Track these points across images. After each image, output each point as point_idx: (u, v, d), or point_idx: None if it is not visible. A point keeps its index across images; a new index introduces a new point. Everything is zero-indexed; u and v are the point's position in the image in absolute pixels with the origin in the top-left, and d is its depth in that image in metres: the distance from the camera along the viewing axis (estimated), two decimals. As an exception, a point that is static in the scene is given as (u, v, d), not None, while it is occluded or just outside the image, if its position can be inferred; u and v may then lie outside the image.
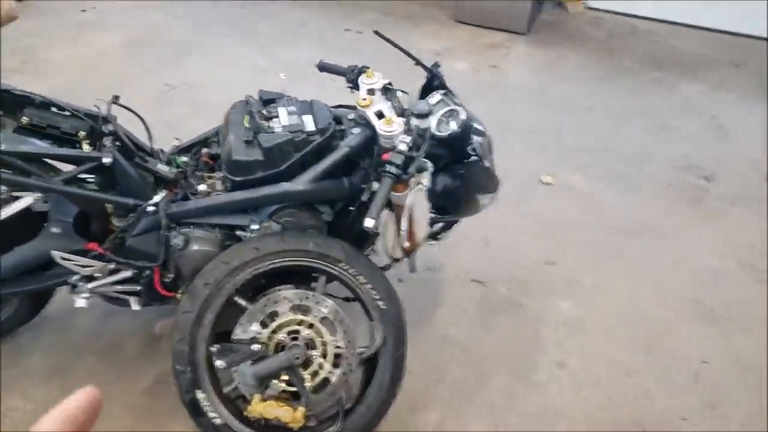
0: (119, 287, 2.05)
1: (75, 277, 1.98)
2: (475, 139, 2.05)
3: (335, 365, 1.89)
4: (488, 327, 2.53)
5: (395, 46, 2.08)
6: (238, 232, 1.98)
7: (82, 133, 1.83)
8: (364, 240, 2.13)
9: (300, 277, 1.99)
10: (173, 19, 4.94)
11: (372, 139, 1.94)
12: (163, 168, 1.96)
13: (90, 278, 2.01)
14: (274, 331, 1.86)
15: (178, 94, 3.95)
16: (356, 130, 1.97)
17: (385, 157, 1.82)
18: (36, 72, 4.04)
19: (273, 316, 1.88)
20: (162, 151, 2.09)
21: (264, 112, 1.97)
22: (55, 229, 1.93)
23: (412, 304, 2.56)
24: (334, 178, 1.96)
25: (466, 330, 2.51)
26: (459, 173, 2.08)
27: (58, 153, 1.75)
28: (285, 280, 1.99)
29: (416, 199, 1.99)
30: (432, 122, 1.96)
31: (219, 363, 1.78)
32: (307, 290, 1.91)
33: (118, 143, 1.91)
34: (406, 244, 1.96)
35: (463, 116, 2.01)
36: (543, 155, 3.69)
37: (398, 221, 2.03)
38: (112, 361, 2.26)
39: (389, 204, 2.15)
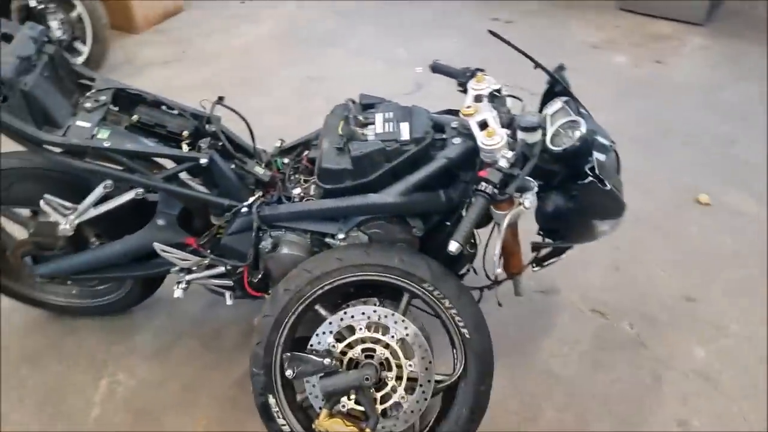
0: (215, 281, 2.13)
1: (175, 269, 2.09)
2: (597, 156, 1.81)
3: (409, 391, 1.79)
4: (600, 367, 2.27)
5: (511, 46, 1.90)
6: (328, 240, 1.95)
7: (185, 133, 1.91)
8: (459, 258, 2.00)
9: (386, 291, 1.91)
10: (324, 12, 5.07)
11: (474, 150, 1.79)
12: (258, 170, 1.99)
13: (189, 270, 2.11)
14: (349, 346, 1.81)
15: (317, 86, 4.04)
16: (457, 140, 1.84)
17: (483, 173, 1.67)
18: (191, 62, 4.37)
19: (350, 330, 1.83)
20: (264, 151, 2.13)
21: (360, 117, 1.90)
22: (160, 222, 2.05)
23: (515, 329, 2.39)
24: (428, 191, 1.85)
25: (573, 367, 2.27)
26: (574, 194, 1.85)
27: (158, 152, 1.84)
28: (372, 292, 1.94)
29: (515, 221, 1.82)
30: (548, 133, 1.76)
31: (288, 372, 1.77)
32: (388, 307, 1.83)
33: (220, 144, 1.96)
34: (499, 271, 1.79)
35: (583, 129, 1.77)
36: (704, 169, 3.23)
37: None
38: (211, 348, 2.37)
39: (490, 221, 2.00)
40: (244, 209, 1.92)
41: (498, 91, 1.85)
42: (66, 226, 1.87)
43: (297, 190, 1.99)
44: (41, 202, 1.86)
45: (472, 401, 1.80)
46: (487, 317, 1.83)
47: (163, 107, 1.96)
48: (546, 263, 2.02)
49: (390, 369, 1.80)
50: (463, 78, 1.99)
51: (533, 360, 2.31)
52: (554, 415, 2.12)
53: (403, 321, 1.80)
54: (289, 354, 1.80)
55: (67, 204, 1.88)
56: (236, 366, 2.28)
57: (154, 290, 2.42)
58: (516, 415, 2.13)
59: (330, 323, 1.82)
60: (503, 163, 1.68)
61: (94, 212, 1.90)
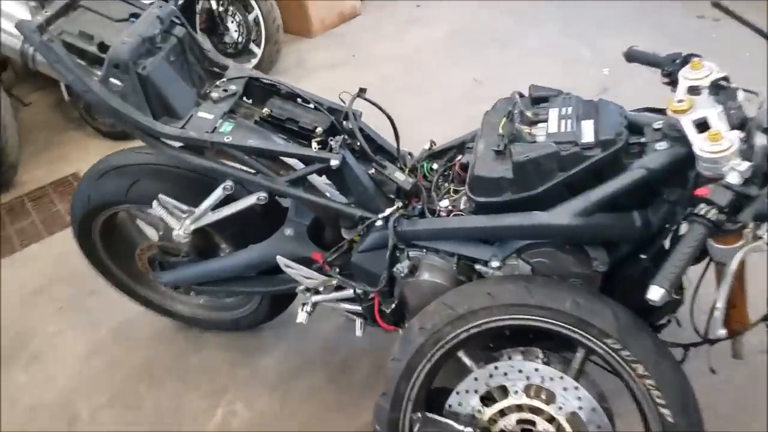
0: (344, 305, 1.86)
1: (301, 287, 1.85)
2: None
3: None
4: None
5: (742, 21, 1.39)
6: (479, 267, 1.58)
7: (319, 129, 1.66)
8: (656, 313, 1.51)
9: (553, 338, 1.50)
10: (503, 11, 4.71)
11: (685, 159, 1.32)
12: (399, 177, 1.67)
13: (315, 291, 1.86)
14: (500, 413, 1.42)
15: (485, 89, 3.69)
16: (662, 146, 1.37)
17: (701, 192, 1.20)
18: (359, 65, 4.25)
19: (502, 391, 1.43)
20: (410, 155, 1.81)
21: (529, 114, 1.51)
22: (288, 232, 1.83)
23: (730, 402, 1.83)
24: (617, 212, 1.41)
25: None
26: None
27: (284, 151, 1.60)
28: (533, 338, 1.53)
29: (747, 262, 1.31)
30: None
31: (416, 440, 1.42)
32: (555, 365, 1.41)
33: (357, 144, 1.68)
34: (721, 332, 1.28)
35: None
36: None
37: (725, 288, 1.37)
38: (338, 383, 2.10)
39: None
40: (379, 222, 1.61)
41: (725, 79, 1.35)
42: (180, 231, 1.71)
43: (444, 203, 1.64)
44: (154, 204, 1.71)
45: None
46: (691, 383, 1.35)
47: (299, 100, 1.74)
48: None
49: (555, 453, 1.37)
50: (670, 66, 1.51)
51: None
52: None
53: (576, 389, 1.36)
54: (420, 415, 1.45)
55: (183, 207, 1.71)
56: (363, 410, 1.98)
57: (286, 307, 2.22)
58: None
59: (476, 379, 1.44)
60: (733, 179, 1.19)
61: (211, 217, 1.71)
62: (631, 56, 1.67)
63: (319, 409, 2.02)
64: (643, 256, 1.47)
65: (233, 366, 2.21)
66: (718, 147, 1.21)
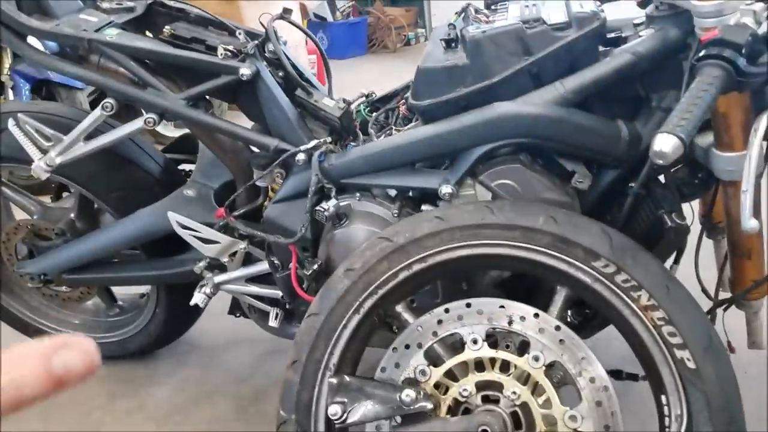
0: (254, 288, 1.45)
1: (201, 264, 1.45)
2: None
3: (569, 473, 0.92)
4: None
5: None
6: (425, 208, 1.23)
7: (229, 47, 1.36)
8: (656, 251, 1.16)
9: (526, 290, 1.13)
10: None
11: (681, 43, 1.06)
12: (327, 103, 1.36)
13: (218, 268, 1.46)
14: (451, 376, 1.00)
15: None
16: (648, 32, 1.11)
17: (710, 35, 0.92)
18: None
19: (454, 347, 1.03)
20: (344, 100, 1.51)
21: (485, 11, 1.25)
22: (190, 192, 1.46)
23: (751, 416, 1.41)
24: (599, 115, 1.12)
25: None
26: None
27: (179, 55, 1.28)
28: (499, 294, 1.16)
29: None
30: None
31: (334, 409, 0.98)
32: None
33: (279, 73, 1.38)
34: (754, 222, 0.94)
35: None
36: None
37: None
38: (247, 413, 1.62)
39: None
40: (300, 156, 1.27)
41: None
42: (41, 163, 1.32)
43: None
44: (9, 123, 1.34)
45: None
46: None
47: (211, 27, 1.45)
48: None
49: (532, 427, 0.95)
50: None
51: None
52: None
53: (557, 329, 0.98)
54: (335, 380, 1.02)
55: (48, 131, 1.34)
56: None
57: (186, 325, 1.78)
58: None
59: (419, 329, 1.04)
60: (748, 20, 0.92)
61: (84, 148, 1.33)
62: None
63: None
64: (631, 185, 1.15)
65: (113, 398, 1.71)
66: (722, -7, 0.95)
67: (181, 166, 1.67)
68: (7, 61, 3.13)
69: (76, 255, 1.55)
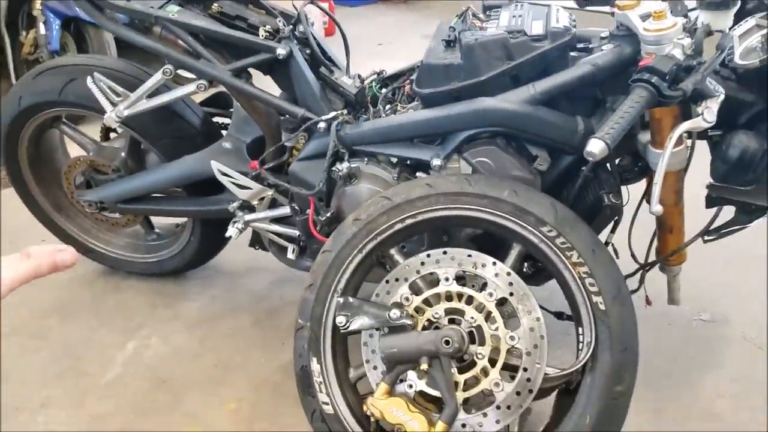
0: (277, 227, 1.78)
1: (234, 204, 1.78)
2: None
3: (506, 378, 1.28)
4: None
5: None
6: (420, 174, 1.55)
7: (268, 27, 1.65)
8: (596, 222, 1.49)
9: (492, 249, 1.46)
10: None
11: (632, 59, 1.36)
12: (346, 81, 1.66)
13: (249, 208, 1.79)
14: (427, 303, 1.35)
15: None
16: (608, 47, 1.41)
17: (645, 62, 1.23)
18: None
19: (431, 282, 1.37)
20: (359, 76, 1.81)
21: (481, 15, 1.54)
22: (227, 145, 1.78)
23: (665, 358, 1.83)
24: (562, 111, 1.42)
25: (748, 412, 1.63)
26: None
27: (229, 34, 1.58)
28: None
29: (680, 168, 1.34)
30: (736, 50, 1.29)
31: (340, 320, 1.33)
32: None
33: (307, 50, 1.68)
34: (657, 208, 1.26)
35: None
36: None
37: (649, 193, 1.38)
38: (264, 326, 1.99)
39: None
40: (321, 125, 1.58)
41: (670, -22, 1.41)
42: (112, 114, 1.63)
43: (389, 113, 1.63)
44: (88, 80, 1.65)
45: (601, 405, 1.24)
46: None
47: (251, 6, 1.73)
48: (725, 231, 1.46)
49: (483, 343, 1.30)
50: None
51: (690, 398, 1.69)
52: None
53: (508, 275, 1.32)
54: (341, 299, 1.37)
55: (119, 89, 1.65)
56: (288, 348, 1.83)
57: (215, 251, 2.13)
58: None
59: (406, 267, 1.38)
60: (677, 53, 1.22)
61: (146, 104, 1.65)
62: (583, 0, 1.74)
63: (241, 347, 1.89)
64: (583, 169, 1.47)
65: (153, 308, 2.08)
66: (662, 25, 1.25)
67: (216, 119, 1.99)
68: (40, -2, 3.37)
69: (129, 188, 1.88)
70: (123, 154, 1.93)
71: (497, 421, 1.26)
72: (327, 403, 1.37)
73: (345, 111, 1.63)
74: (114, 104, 1.65)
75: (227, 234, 1.76)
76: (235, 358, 1.86)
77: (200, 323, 2.00)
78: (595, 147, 1.12)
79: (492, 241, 1.49)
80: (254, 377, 1.79)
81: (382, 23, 5.52)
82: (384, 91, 1.75)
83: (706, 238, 1.49)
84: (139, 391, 1.76)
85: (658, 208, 1.24)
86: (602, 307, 1.27)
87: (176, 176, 1.81)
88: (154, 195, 1.92)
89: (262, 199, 1.74)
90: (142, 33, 1.60)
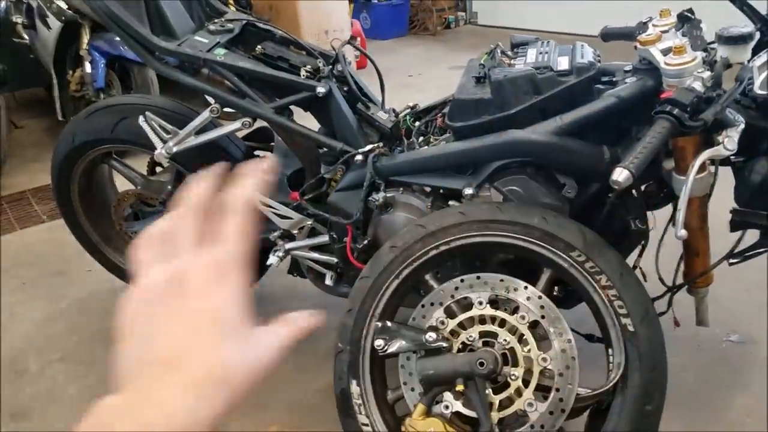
0: (315, 255, 1.88)
1: (275, 233, 1.88)
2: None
3: (539, 398, 1.34)
4: None
5: None
6: (452, 203, 1.64)
7: (308, 67, 1.77)
8: (623, 246, 1.56)
9: (521, 272, 1.53)
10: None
11: (654, 91, 1.43)
12: (381, 116, 1.77)
13: (289, 237, 1.89)
14: (461, 326, 1.43)
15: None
16: (632, 80, 1.49)
17: (666, 95, 1.30)
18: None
19: (465, 306, 1.45)
20: (394, 110, 1.92)
21: (509, 53, 1.64)
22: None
23: (695, 378, 1.87)
24: (588, 141, 1.50)
25: None
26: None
27: (272, 74, 1.70)
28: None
29: (703, 194, 1.40)
30: (756, 81, 1.36)
31: (378, 343, 1.41)
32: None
33: (345, 88, 1.79)
34: (682, 232, 1.32)
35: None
36: None
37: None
38: (303, 350, 2.05)
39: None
40: (359, 157, 1.68)
41: (689, 12, 1.50)
42: (162, 151, 1.76)
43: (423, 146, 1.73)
44: (140, 119, 1.78)
45: (632, 425, 1.29)
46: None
47: (292, 47, 1.86)
48: (750, 254, 1.51)
49: (516, 364, 1.37)
50: (642, 29, 1.66)
51: (720, 416, 1.74)
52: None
53: (540, 298, 1.39)
54: (380, 323, 1.45)
55: (168, 127, 1.78)
56: (326, 373, 1.93)
57: (255, 280, 2.22)
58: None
59: (441, 292, 1.46)
60: (697, 85, 1.30)
61: (195, 140, 1.78)
62: (606, 35, 1.83)
63: (280, 371, 1.86)
64: (610, 196, 1.54)
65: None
66: (683, 59, 1.33)
67: (258, 153, 2.11)
68: (86, 37, 3.56)
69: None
70: (169, 187, 2.05)
71: (531, 440, 1.32)
72: (366, 425, 1.44)
73: (381, 144, 1.73)
74: (164, 141, 1.78)
75: (268, 262, 1.86)
76: (274, 383, 1.94)
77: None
78: (620, 176, 1.20)
79: (523, 265, 1.56)
80: (294, 401, 1.87)
81: (412, 55, 5.68)
82: (417, 124, 1.85)
83: (731, 261, 1.54)
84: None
85: (682, 233, 1.30)
86: (631, 328, 1.32)
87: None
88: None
89: (302, 228, 1.84)
90: (191, 74, 1.73)
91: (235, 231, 0.43)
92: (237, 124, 1.74)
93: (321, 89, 1.67)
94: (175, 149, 1.77)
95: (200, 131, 1.78)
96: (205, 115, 1.74)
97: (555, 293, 1.56)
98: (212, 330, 0.40)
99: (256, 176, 0.46)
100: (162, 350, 0.39)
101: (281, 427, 1.79)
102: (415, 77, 5.30)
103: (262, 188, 0.46)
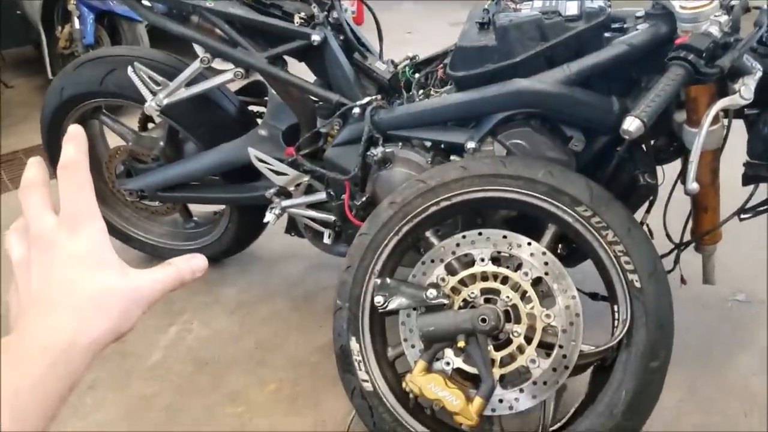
0: (313, 213, 1.84)
1: (271, 191, 1.84)
2: None
3: (542, 355, 1.32)
4: None
5: None
6: (453, 158, 1.59)
7: (302, 14, 1.70)
8: (631, 201, 1.52)
9: (526, 230, 1.49)
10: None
11: (668, 38, 1.37)
12: (379, 66, 1.71)
13: (285, 194, 1.85)
14: (463, 283, 1.40)
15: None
16: (644, 26, 1.42)
17: (681, 40, 1.25)
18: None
19: (467, 263, 1.42)
20: (392, 61, 1.85)
21: (515, -1, 1.57)
22: (263, 132, 1.84)
23: (699, 337, 1.87)
24: (597, 92, 1.45)
25: None
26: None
27: (264, 21, 1.63)
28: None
29: (717, 133, 1.35)
30: None
31: (378, 299, 1.39)
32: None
33: (341, 36, 1.73)
34: (694, 185, 1.28)
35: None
36: None
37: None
38: (301, 309, 2.06)
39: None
40: (356, 110, 1.63)
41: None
42: (152, 103, 1.70)
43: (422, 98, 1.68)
44: (128, 70, 1.72)
45: (636, 382, 1.27)
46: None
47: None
48: (761, 209, 1.48)
49: (518, 321, 1.35)
50: None
51: (725, 375, 1.73)
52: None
53: (544, 254, 1.36)
54: (384, 280, 1.43)
55: (159, 78, 1.72)
56: (325, 331, 1.92)
57: (252, 238, 2.20)
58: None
59: (442, 248, 1.43)
60: (713, 29, 1.24)
61: (185, 92, 1.72)
62: None
63: (279, 329, 1.97)
64: (618, 149, 1.50)
65: (193, 294, 2.16)
66: (699, 2, 1.26)
67: (251, 108, 2.05)
68: (75, -8, 3.47)
69: (169, 177, 1.95)
70: (162, 143, 2.00)
71: (533, 397, 1.31)
72: (366, 381, 1.43)
73: (379, 96, 1.67)
74: (154, 93, 1.72)
75: (265, 219, 1.82)
76: (274, 341, 1.93)
77: (239, 308, 2.08)
78: (632, 125, 1.15)
79: (526, 222, 1.53)
80: (293, 358, 1.86)
81: (410, 11, 5.54)
82: (417, 75, 1.79)
83: (742, 216, 1.51)
84: (183, 372, 1.85)
85: (694, 186, 1.26)
86: (638, 284, 1.30)
87: (214, 164, 1.88)
88: (193, 183, 2.00)
89: (299, 185, 1.80)
90: (180, 22, 1.66)
91: (73, 188, 0.48)
92: (229, 75, 1.68)
93: (315, 37, 1.61)
94: (165, 102, 1.71)
95: (191, 83, 1.72)
96: (196, 65, 1.68)
97: (559, 251, 1.53)
98: (83, 265, 0.46)
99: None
100: (40, 293, 0.46)
101: (280, 384, 1.78)
102: (414, 33, 5.18)
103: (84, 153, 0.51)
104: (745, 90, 1.23)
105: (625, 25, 1.49)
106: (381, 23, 1.87)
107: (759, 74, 1.25)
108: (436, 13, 5.43)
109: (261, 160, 1.76)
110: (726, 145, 1.45)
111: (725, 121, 1.41)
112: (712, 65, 1.22)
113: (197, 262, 0.54)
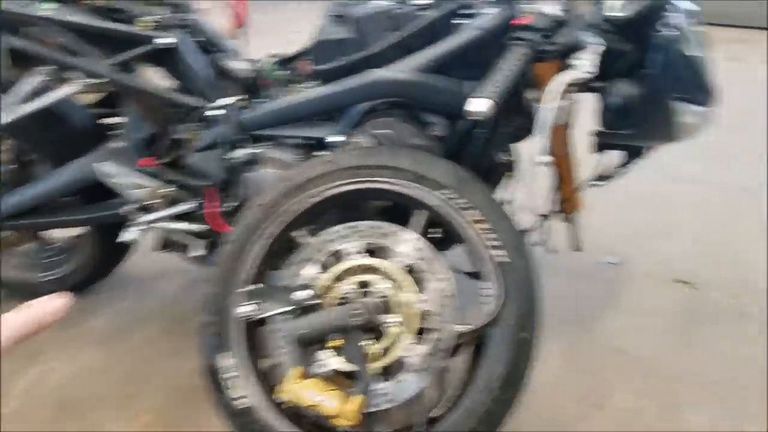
0: (181, 225, 1.74)
1: (127, 207, 1.71)
2: (674, 17, 1.40)
3: (419, 341, 1.30)
4: (689, 342, 1.82)
5: None
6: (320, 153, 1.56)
7: (149, 18, 1.62)
8: (492, 179, 1.56)
9: (403, 219, 1.48)
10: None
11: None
12: (237, 64, 1.66)
13: (147, 209, 1.74)
14: (337, 279, 1.36)
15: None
16: (492, 10, 1.47)
17: (521, 20, 1.29)
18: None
19: (339, 257, 1.38)
20: (254, 60, 1.80)
21: (370, -7, 1.58)
22: (117, 144, 1.72)
23: (572, 300, 1.97)
24: (454, 76, 1.47)
25: (652, 343, 1.82)
26: (645, 72, 1.42)
27: (110, 28, 1.54)
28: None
29: (570, 106, 1.41)
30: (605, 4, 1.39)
31: (247, 309, 1.32)
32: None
33: (199, 38, 1.66)
34: (542, 158, 1.32)
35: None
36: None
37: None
38: (174, 332, 1.94)
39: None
40: (216, 112, 1.56)
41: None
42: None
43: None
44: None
45: (509, 356, 1.27)
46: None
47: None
48: (612, 174, 1.56)
49: (393, 310, 1.32)
50: None
51: (598, 335, 1.85)
52: (629, 401, 1.64)
53: (417, 239, 1.35)
54: (247, 288, 1.36)
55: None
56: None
57: (117, 262, 2.05)
58: (577, 401, 1.63)
59: (312, 247, 1.38)
60: (553, 9, 1.30)
61: (24, 109, 1.57)
62: None
63: (150, 357, 1.83)
64: (476, 130, 1.52)
65: (56, 330, 1.94)
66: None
67: (110, 120, 1.92)
68: None
69: (18, 202, 1.78)
70: (11, 166, 1.83)
71: (413, 384, 1.28)
72: (237, 399, 1.33)
73: (241, 96, 1.62)
74: (-11, 108, 1.57)
75: (120, 239, 1.69)
76: (145, 369, 1.79)
77: (109, 338, 1.92)
78: (474, 106, 1.17)
79: (402, 211, 1.51)
80: (168, 385, 1.73)
81: (298, 10, 5.53)
82: (280, 73, 1.75)
83: (596, 183, 1.59)
84: (44, 418, 1.66)
85: (545, 159, 1.30)
86: (503, 260, 1.31)
87: (64, 184, 1.74)
88: (46, 206, 1.83)
89: (164, 197, 1.69)
90: (15, 34, 1.53)
91: None
92: (75, 86, 1.56)
93: (160, 40, 1.53)
94: (7, 119, 1.56)
95: (33, 98, 1.59)
96: (36, 79, 1.55)
97: (433, 235, 1.53)
98: None
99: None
100: None
101: (156, 414, 1.65)
102: (302, 33, 5.15)
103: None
104: (586, 64, 1.29)
105: (475, 11, 1.53)
106: (267, 24, 1.82)
107: (600, 48, 1.31)
108: (323, 12, 5.43)
109: (110, 175, 1.64)
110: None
111: (575, 96, 1.48)
112: (553, 43, 1.27)
113: (60, 302, 0.49)
